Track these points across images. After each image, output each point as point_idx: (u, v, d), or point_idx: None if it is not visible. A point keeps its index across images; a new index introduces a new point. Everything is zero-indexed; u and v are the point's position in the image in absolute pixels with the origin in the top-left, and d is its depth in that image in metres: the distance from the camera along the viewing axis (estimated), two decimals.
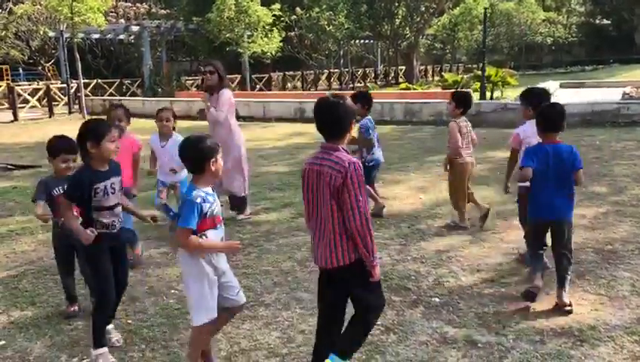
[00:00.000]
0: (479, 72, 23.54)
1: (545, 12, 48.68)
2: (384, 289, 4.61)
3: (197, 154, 3.17)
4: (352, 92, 6.99)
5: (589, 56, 53.41)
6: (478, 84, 22.35)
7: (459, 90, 7.48)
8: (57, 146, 4.07)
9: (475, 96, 20.59)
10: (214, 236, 3.22)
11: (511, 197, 7.33)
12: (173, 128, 6.02)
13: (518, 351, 3.60)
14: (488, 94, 21.75)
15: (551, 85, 23.30)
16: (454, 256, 5.34)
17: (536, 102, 4.82)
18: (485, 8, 24.56)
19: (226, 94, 6.43)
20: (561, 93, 22.28)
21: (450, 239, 5.85)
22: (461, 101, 6.04)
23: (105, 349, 3.59)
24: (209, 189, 3.23)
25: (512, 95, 20.36)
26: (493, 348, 3.66)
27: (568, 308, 4.07)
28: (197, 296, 3.20)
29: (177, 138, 5.55)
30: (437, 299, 4.42)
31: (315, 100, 3.19)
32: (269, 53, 30.04)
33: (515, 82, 23.96)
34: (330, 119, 3.06)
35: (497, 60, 42.68)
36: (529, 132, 4.77)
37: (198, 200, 3.11)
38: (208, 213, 3.16)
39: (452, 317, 4.10)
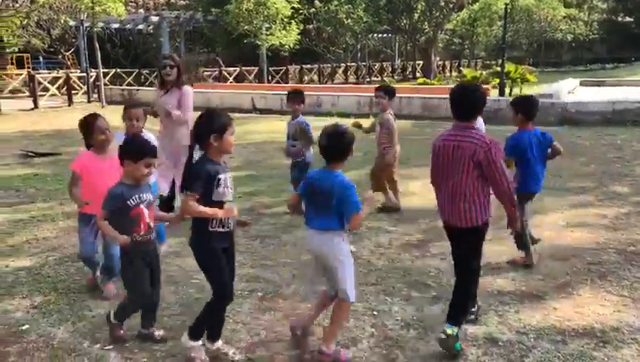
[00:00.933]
0: (498, 68, 23.36)
1: (566, 8, 48.07)
2: (403, 284, 4.63)
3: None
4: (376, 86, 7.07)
5: (610, 54, 52.73)
6: (497, 80, 22.16)
7: (386, 84, 7.61)
8: (142, 149, 3.59)
9: (494, 93, 20.45)
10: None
11: None
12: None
13: (539, 351, 3.58)
14: (507, 91, 21.57)
15: (571, 83, 23.04)
16: None
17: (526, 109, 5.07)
18: (506, 4, 24.30)
19: (190, 93, 6.13)
20: (581, 91, 22.03)
21: None
22: (390, 93, 6.61)
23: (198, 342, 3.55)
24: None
25: (530, 92, 20.17)
26: (514, 346, 3.65)
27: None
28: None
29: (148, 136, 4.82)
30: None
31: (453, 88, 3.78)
32: (286, 46, 30.03)
33: (534, 79, 23.73)
34: (468, 103, 3.61)
35: (516, 57, 42.32)
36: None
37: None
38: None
39: (472, 316, 4.07)
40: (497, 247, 5.46)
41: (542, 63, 46.78)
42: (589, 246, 5.41)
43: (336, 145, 3.41)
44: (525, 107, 4.98)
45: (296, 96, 6.61)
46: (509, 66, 23.12)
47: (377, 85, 7.20)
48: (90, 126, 4.46)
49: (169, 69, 6.00)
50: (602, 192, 7.43)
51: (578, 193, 7.41)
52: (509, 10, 26.13)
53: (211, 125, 3.32)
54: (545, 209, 6.68)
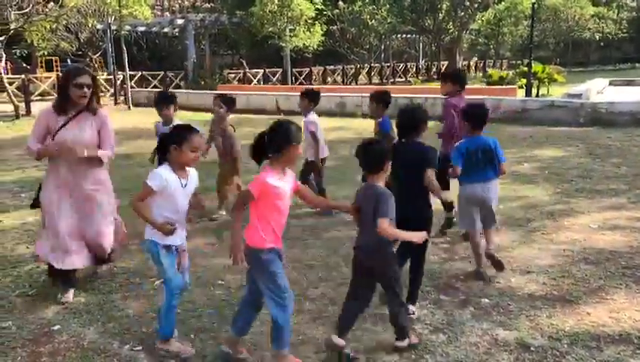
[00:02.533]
0: (525, 68, 23.04)
1: (594, 7, 47.23)
2: (432, 288, 4.56)
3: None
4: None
5: (639, 53, 51.61)
6: (523, 81, 21.86)
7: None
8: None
9: (521, 93, 20.18)
10: None
11: (561, 197, 7.19)
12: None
13: (573, 357, 3.49)
14: (534, 91, 21.26)
15: (600, 83, 22.62)
16: (503, 257, 5.20)
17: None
18: (533, 3, 23.94)
19: (109, 122, 4.54)
20: (611, 91, 21.61)
21: (499, 239, 5.73)
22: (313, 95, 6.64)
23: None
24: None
25: (558, 92, 19.85)
26: (546, 352, 3.56)
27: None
28: None
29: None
30: (486, 300, 4.33)
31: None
32: (310, 47, 30.07)
33: (562, 79, 23.35)
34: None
35: (543, 57, 41.67)
36: None
37: None
38: None
39: (503, 319, 4.01)
40: (527, 250, 5.37)
41: (569, 63, 46.04)
42: (622, 250, 5.28)
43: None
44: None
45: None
46: (536, 66, 22.79)
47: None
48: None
49: (86, 90, 4.30)
50: (635, 195, 7.25)
51: (610, 195, 7.24)
52: (535, 9, 25.77)
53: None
54: (575, 211, 6.55)
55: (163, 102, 6.02)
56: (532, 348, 3.61)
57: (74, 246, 4.41)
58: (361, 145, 3.60)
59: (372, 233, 3.41)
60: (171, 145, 3.43)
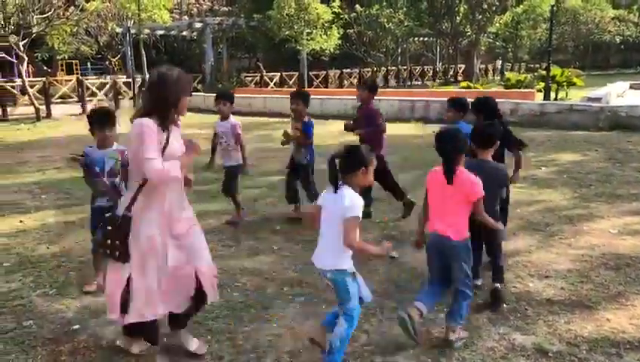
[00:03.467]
0: (543, 72, 22.85)
1: (614, 9, 46.67)
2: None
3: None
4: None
5: None
6: (542, 84, 21.67)
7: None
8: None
9: (539, 97, 20.00)
10: None
11: (580, 201, 7.11)
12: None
13: None
14: (553, 95, 21.07)
15: (620, 86, 22.33)
16: (521, 261, 5.19)
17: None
18: (552, 5, 23.74)
19: None
20: (632, 95, 21.35)
21: (516, 243, 5.69)
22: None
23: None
24: None
25: (577, 96, 19.64)
26: (564, 358, 3.54)
27: None
28: None
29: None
30: (504, 305, 4.30)
31: None
32: (327, 51, 30.11)
33: (581, 83, 23.09)
34: None
35: (562, 60, 41.32)
36: None
37: None
38: None
39: (520, 324, 3.98)
40: (545, 255, 5.33)
41: (589, 66, 45.54)
42: None
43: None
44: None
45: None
46: (555, 70, 22.58)
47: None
48: None
49: None
50: None
51: (630, 200, 7.15)
52: (554, 12, 25.54)
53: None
54: (594, 216, 6.48)
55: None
56: (550, 354, 3.58)
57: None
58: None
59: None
60: (360, 168, 3.31)
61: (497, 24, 40.34)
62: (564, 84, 22.36)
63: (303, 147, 6.48)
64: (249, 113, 18.74)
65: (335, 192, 3.30)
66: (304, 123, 6.40)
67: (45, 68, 29.41)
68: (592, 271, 4.89)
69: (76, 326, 4.11)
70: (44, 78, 21.88)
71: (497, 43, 44.68)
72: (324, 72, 33.15)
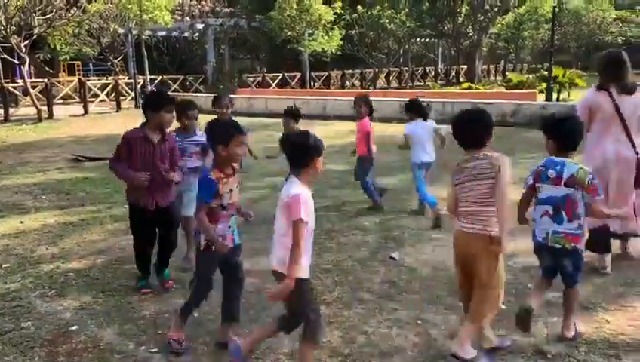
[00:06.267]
0: (545, 72, 22.81)
1: (617, 10, 46.60)
2: (447, 293, 4.53)
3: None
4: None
5: None
6: (544, 85, 21.65)
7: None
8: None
9: (541, 98, 19.97)
10: None
11: None
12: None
13: None
14: (555, 95, 21.02)
15: None
16: (520, 262, 5.17)
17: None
18: (554, 6, 23.71)
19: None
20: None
21: (515, 244, 5.66)
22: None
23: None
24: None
25: (579, 97, 19.60)
26: (563, 359, 3.52)
27: None
28: None
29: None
30: (502, 306, 4.27)
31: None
32: (328, 52, 30.10)
33: (583, 83, 23.04)
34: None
35: (564, 61, 41.22)
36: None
37: None
38: None
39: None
40: None
41: (591, 67, 45.31)
42: None
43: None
44: None
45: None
46: (557, 70, 22.54)
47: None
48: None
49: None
50: None
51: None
52: (556, 13, 25.51)
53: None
54: None
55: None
56: (549, 356, 3.56)
57: None
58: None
59: None
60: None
61: (499, 25, 40.31)
62: (566, 84, 22.33)
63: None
64: (249, 114, 18.75)
65: None
66: None
67: (47, 69, 29.47)
68: (592, 272, 4.87)
69: (74, 327, 4.11)
70: (45, 79, 21.92)
71: (499, 44, 44.67)
72: (326, 73, 33.14)
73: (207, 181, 3.54)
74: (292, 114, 6.60)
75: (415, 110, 6.71)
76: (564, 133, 3.68)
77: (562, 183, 3.59)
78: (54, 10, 20.45)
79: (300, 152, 3.16)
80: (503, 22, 40.43)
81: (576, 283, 3.69)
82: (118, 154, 4.49)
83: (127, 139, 4.46)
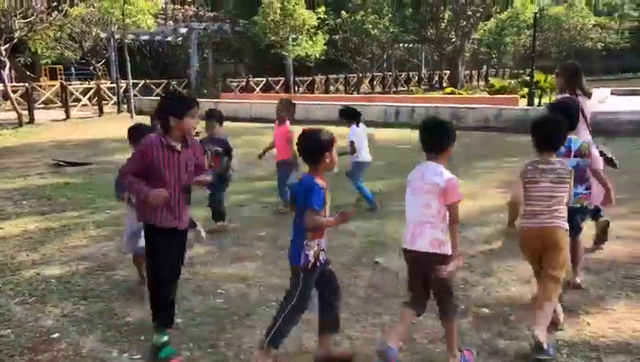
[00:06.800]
0: (527, 78, 23.09)
1: (596, 17, 47.35)
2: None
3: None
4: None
5: None
6: (526, 90, 21.91)
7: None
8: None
9: (523, 102, 20.20)
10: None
11: None
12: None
13: None
14: (536, 100, 21.28)
15: (602, 92, 22.60)
16: (504, 266, 5.21)
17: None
18: (535, 12, 24.03)
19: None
20: (613, 101, 21.61)
21: (499, 249, 5.73)
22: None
23: None
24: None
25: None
26: None
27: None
28: None
29: None
30: (486, 310, 4.32)
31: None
32: (312, 56, 30.17)
33: None
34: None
35: (545, 66, 41.72)
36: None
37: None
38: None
39: (503, 329, 4.00)
40: None
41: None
42: (623, 260, 5.27)
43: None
44: None
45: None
46: (539, 75, 22.86)
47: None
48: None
49: None
50: (637, 205, 7.25)
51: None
52: (537, 19, 25.83)
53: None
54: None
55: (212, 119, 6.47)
56: (531, 359, 3.59)
57: None
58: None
59: None
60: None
61: (482, 30, 40.73)
62: (548, 89, 22.62)
63: None
64: (234, 119, 18.70)
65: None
66: None
67: (28, 73, 29.12)
68: (573, 275, 4.92)
69: (55, 335, 4.05)
70: (26, 84, 21.66)
71: (482, 49, 45.10)
72: (310, 78, 33.20)
73: (317, 188, 3.30)
74: (216, 116, 6.57)
75: (352, 116, 7.21)
76: (542, 133, 3.92)
77: (572, 155, 4.30)
78: (35, 14, 20.25)
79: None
80: (485, 27, 40.85)
81: (580, 232, 4.54)
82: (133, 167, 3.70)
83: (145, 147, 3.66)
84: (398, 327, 3.56)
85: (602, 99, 20.89)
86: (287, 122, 7.15)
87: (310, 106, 19.03)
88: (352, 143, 7.11)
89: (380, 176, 9.23)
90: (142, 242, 4.24)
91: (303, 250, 3.36)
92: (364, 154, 7.27)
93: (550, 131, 3.85)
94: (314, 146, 3.36)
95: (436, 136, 3.41)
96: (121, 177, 3.93)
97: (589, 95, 5.46)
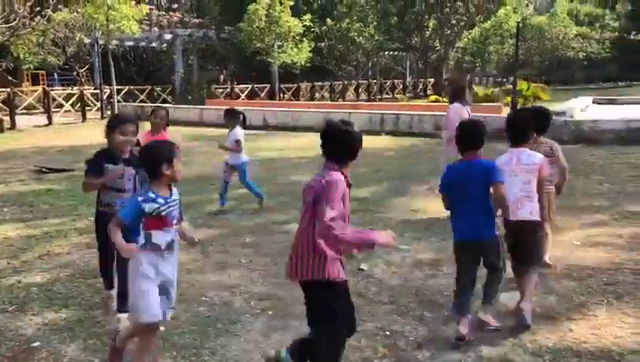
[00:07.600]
0: (510, 86, 23.34)
1: (577, 27, 48.05)
2: (416, 304, 4.56)
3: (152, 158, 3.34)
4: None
5: (622, 72, 52.42)
6: (509, 98, 22.13)
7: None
8: None
9: (506, 111, 20.37)
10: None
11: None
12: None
13: None
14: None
15: (583, 101, 22.92)
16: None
17: None
18: (518, 22, 24.33)
19: None
20: (594, 109, 21.91)
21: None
22: None
23: None
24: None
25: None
26: None
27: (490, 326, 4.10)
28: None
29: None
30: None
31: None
32: (298, 64, 30.23)
33: (547, 97, 23.67)
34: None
35: (528, 74, 42.24)
36: None
37: (140, 198, 3.26)
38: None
39: (486, 336, 4.01)
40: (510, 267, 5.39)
41: (554, 81, 46.58)
42: (604, 267, 5.32)
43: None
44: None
45: None
46: (522, 84, 23.11)
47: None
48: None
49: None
50: (617, 211, 7.33)
51: (592, 212, 7.31)
52: (520, 28, 26.15)
53: None
54: (558, 228, 6.59)
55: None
56: None
57: None
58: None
59: None
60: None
61: (465, 39, 41.09)
62: (531, 98, 22.89)
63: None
64: (219, 125, 18.64)
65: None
66: None
67: (10, 78, 28.82)
68: (555, 282, 4.97)
69: (36, 344, 3.99)
70: (8, 89, 21.41)
71: (466, 57, 45.50)
72: (296, 85, 33.24)
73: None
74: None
75: (235, 117, 7.72)
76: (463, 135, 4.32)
77: None
78: (18, 19, 20.07)
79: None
80: (469, 36, 41.22)
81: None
82: None
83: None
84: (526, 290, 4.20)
85: (584, 108, 21.19)
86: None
87: (295, 113, 19.08)
88: (238, 142, 7.58)
89: (365, 184, 9.25)
90: None
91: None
92: (244, 154, 7.81)
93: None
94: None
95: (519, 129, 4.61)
96: None
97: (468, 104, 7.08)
